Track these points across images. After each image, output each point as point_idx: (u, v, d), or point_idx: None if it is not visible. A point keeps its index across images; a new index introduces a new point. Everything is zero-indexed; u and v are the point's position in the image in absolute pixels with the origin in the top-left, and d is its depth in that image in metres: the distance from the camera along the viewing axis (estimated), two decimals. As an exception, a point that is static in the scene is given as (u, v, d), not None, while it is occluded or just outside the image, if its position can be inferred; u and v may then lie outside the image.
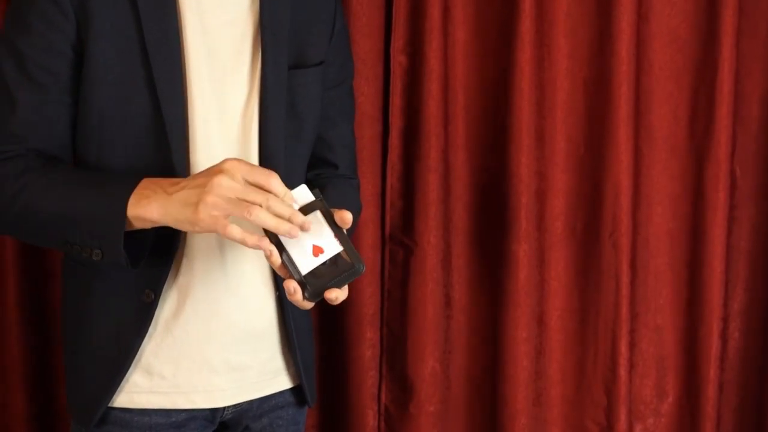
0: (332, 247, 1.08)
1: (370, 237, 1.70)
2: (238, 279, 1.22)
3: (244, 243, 1.03)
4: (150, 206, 1.07)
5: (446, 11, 1.64)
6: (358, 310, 1.72)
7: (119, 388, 1.20)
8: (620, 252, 1.68)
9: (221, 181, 1.03)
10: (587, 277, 1.72)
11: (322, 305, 1.74)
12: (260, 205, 1.03)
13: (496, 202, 1.69)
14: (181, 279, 1.20)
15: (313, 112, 1.29)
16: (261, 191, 1.04)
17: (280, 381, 1.31)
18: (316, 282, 1.07)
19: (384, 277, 1.74)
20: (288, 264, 1.07)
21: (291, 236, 1.04)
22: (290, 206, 1.06)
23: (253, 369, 1.27)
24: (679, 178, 1.71)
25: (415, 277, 1.70)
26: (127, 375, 1.20)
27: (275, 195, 1.04)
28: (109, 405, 1.21)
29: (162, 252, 1.17)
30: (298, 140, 1.27)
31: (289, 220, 1.04)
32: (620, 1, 1.62)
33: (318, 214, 1.08)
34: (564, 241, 1.71)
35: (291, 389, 1.33)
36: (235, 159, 1.06)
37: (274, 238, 1.06)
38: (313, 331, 1.42)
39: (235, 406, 1.27)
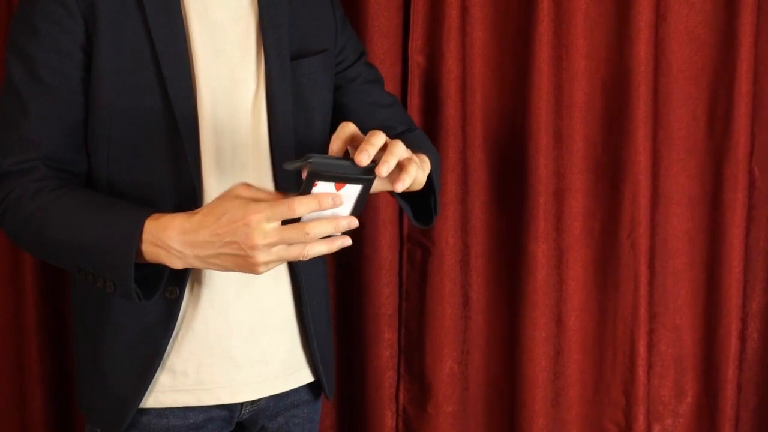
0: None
1: (388, 237, 1.70)
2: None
3: (331, 251, 1.02)
4: (171, 262, 1.06)
5: (464, 11, 1.65)
6: (376, 311, 1.72)
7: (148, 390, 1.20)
8: (638, 252, 1.68)
9: (257, 241, 0.99)
10: (606, 278, 1.72)
11: (340, 305, 1.76)
12: (304, 241, 1.00)
13: (514, 202, 1.69)
14: (197, 274, 1.20)
15: (323, 100, 1.30)
16: (296, 227, 1.00)
17: (301, 375, 1.31)
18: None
19: (402, 278, 1.74)
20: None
21: (347, 244, 1.03)
22: (328, 219, 1.01)
23: (274, 362, 1.27)
24: (697, 179, 1.71)
25: (433, 277, 1.70)
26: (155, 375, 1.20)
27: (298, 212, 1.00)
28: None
29: None
30: (309, 129, 1.28)
31: (336, 229, 1.01)
32: (638, 1, 1.62)
33: (359, 189, 1.02)
34: (582, 242, 1.70)
35: (307, 385, 1.33)
36: (254, 212, 1.00)
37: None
38: (332, 326, 1.42)
39: (253, 403, 1.27)
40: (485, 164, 1.70)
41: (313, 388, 1.35)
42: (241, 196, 1.02)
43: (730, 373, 1.72)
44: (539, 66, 1.63)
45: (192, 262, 1.05)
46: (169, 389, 1.21)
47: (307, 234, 0.99)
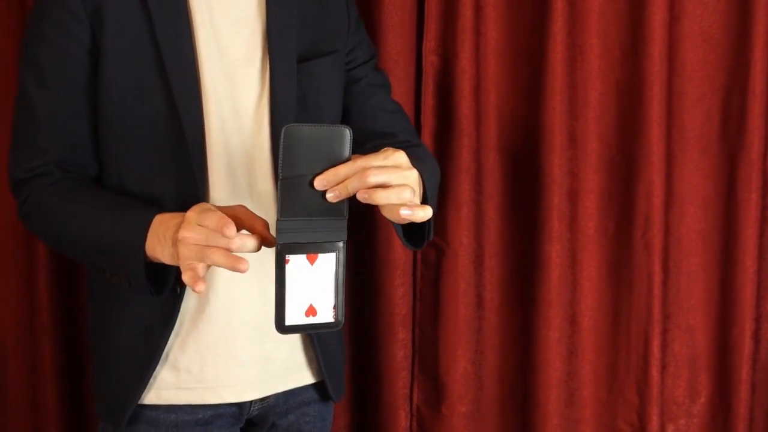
0: (326, 309, 1.03)
1: (402, 237, 1.70)
2: (260, 270, 1.21)
3: (226, 265, 1.01)
4: (163, 255, 1.07)
5: (478, 11, 1.64)
6: (390, 311, 1.72)
7: (148, 385, 1.21)
8: (652, 252, 1.68)
9: (183, 235, 1.02)
10: (619, 278, 1.72)
11: (354, 306, 1.76)
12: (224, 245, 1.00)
13: (528, 202, 1.69)
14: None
15: (332, 102, 1.30)
16: (217, 235, 1.00)
17: (302, 376, 1.32)
18: (293, 329, 1.03)
19: (416, 278, 1.74)
20: (277, 300, 1.02)
21: (240, 270, 1.00)
22: (225, 239, 1.00)
23: (277, 361, 1.27)
24: (711, 179, 1.71)
25: (447, 277, 1.70)
26: (155, 371, 1.21)
27: (228, 236, 1.00)
28: (138, 402, 1.21)
29: None
30: None
31: (228, 247, 1.00)
32: (653, 1, 1.62)
33: (334, 258, 1.02)
34: (596, 242, 1.70)
35: (316, 386, 1.34)
36: (192, 210, 1.04)
37: (279, 267, 1.01)
38: (343, 328, 1.41)
39: (261, 401, 1.28)
40: (499, 164, 1.70)
41: (323, 388, 1.35)
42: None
43: (743, 373, 1.72)
44: (553, 66, 1.63)
45: (173, 255, 1.05)
46: (172, 386, 1.22)
47: (216, 241, 0.99)
